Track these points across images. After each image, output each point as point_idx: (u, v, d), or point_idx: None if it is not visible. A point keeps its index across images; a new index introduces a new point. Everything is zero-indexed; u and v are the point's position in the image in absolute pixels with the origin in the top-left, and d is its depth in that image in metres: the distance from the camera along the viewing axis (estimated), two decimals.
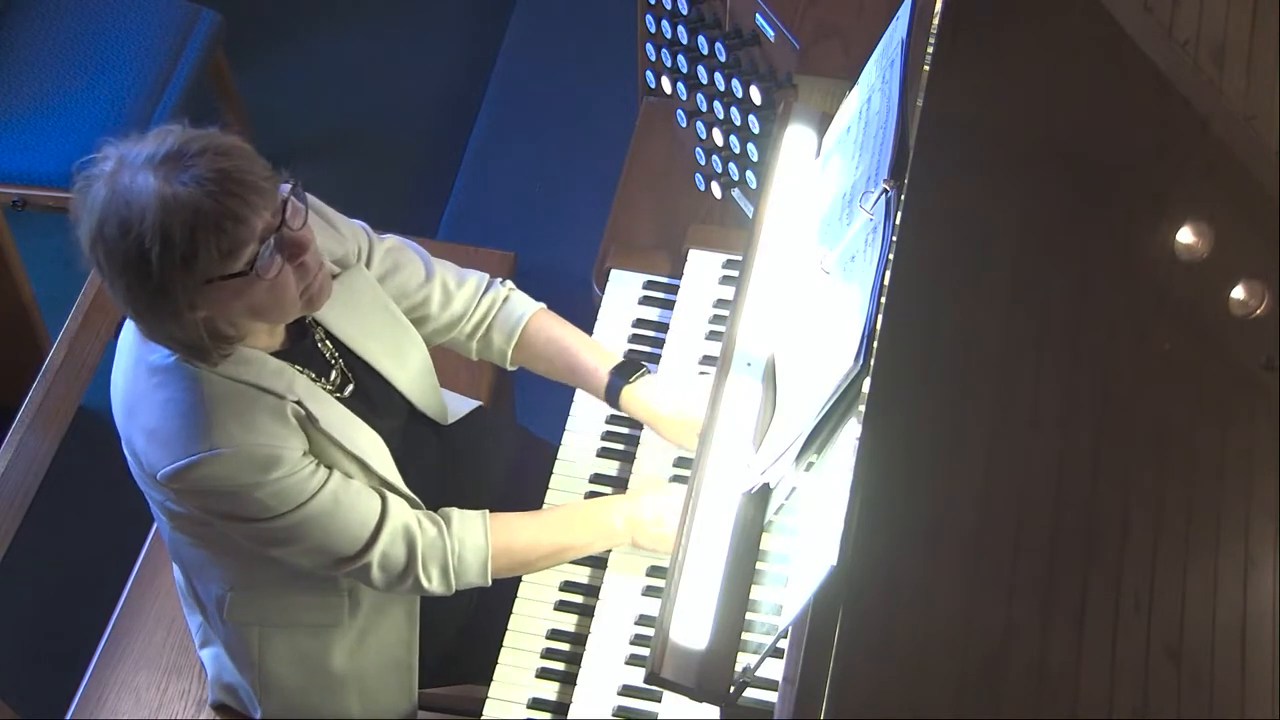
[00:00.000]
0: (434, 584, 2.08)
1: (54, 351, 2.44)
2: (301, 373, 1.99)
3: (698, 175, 2.72)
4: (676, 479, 2.32)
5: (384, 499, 2.03)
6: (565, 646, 2.22)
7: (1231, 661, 1.64)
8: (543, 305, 2.32)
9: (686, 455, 2.32)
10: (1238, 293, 1.83)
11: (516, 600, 2.25)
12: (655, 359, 2.47)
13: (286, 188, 1.82)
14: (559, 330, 2.30)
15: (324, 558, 2.01)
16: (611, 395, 2.26)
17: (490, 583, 2.13)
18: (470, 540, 2.09)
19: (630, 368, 2.26)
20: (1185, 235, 1.86)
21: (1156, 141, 1.95)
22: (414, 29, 4.20)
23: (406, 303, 2.20)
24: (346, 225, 2.13)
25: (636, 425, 2.41)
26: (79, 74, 3.33)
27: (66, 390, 2.45)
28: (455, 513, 2.11)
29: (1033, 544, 1.63)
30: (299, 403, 1.94)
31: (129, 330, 1.96)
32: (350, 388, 2.08)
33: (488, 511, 2.13)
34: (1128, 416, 1.75)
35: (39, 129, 3.24)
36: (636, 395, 2.25)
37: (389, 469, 2.07)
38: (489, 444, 2.43)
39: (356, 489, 2.01)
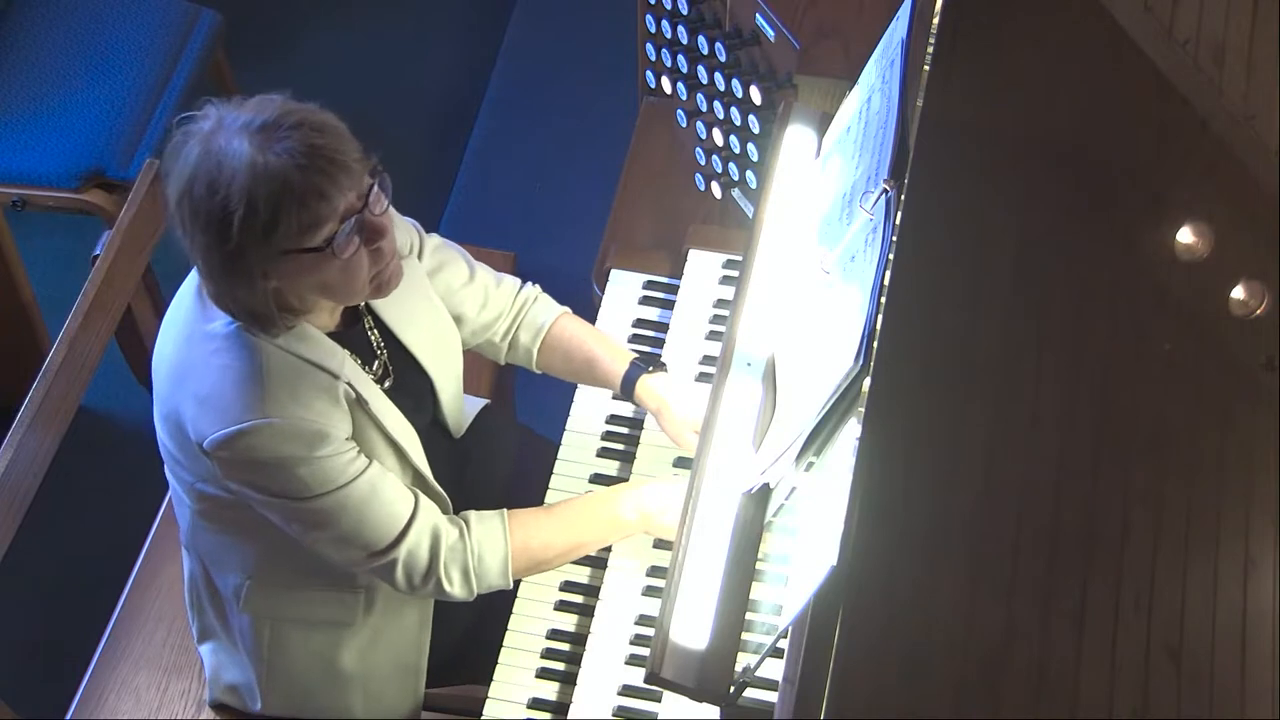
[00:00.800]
0: (455, 587, 2.08)
1: (54, 351, 2.44)
2: (351, 357, 2.01)
3: (698, 175, 2.72)
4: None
5: (416, 497, 2.05)
6: (565, 646, 2.22)
7: (1231, 661, 1.64)
8: (567, 309, 2.36)
9: (686, 456, 2.32)
10: (1238, 293, 1.83)
11: (517, 600, 2.25)
12: (655, 359, 2.47)
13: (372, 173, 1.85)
14: (581, 330, 2.34)
15: (352, 549, 2.02)
16: (627, 385, 2.29)
17: (511, 584, 2.13)
18: (490, 543, 2.10)
19: (648, 361, 2.31)
20: (1185, 235, 1.86)
21: (1156, 141, 1.95)
22: (414, 29, 4.20)
23: (450, 301, 2.23)
24: (400, 219, 2.15)
25: (636, 425, 2.41)
26: (79, 74, 3.33)
27: (66, 390, 2.45)
28: (474, 515, 2.12)
29: (1033, 544, 1.63)
30: (350, 385, 1.97)
31: (182, 301, 1.99)
32: (390, 381, 2.10)
33: (505, 511, 2.14)
34: (1128, 416, 1.75)
35: (39, 129, 3.24)
36: (649, 385, 2.28)
37: (423, 463, 2.09)
38: (493, 445, 2.43)
39: (392, 483, 2.02)
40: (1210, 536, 1.69)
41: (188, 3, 3.48)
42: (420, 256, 2.19)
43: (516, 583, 2.24)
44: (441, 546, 2.05)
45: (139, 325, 2.89)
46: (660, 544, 2.26)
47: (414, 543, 2.03)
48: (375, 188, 1.84)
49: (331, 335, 2.00)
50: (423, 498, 2.06)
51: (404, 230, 2.15)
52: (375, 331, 2.09)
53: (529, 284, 2.35)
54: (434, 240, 2.23)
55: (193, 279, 1.99)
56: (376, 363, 2.08)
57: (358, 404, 1.99)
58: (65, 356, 2.44)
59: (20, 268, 3.17)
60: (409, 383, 2.14)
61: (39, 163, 3.20)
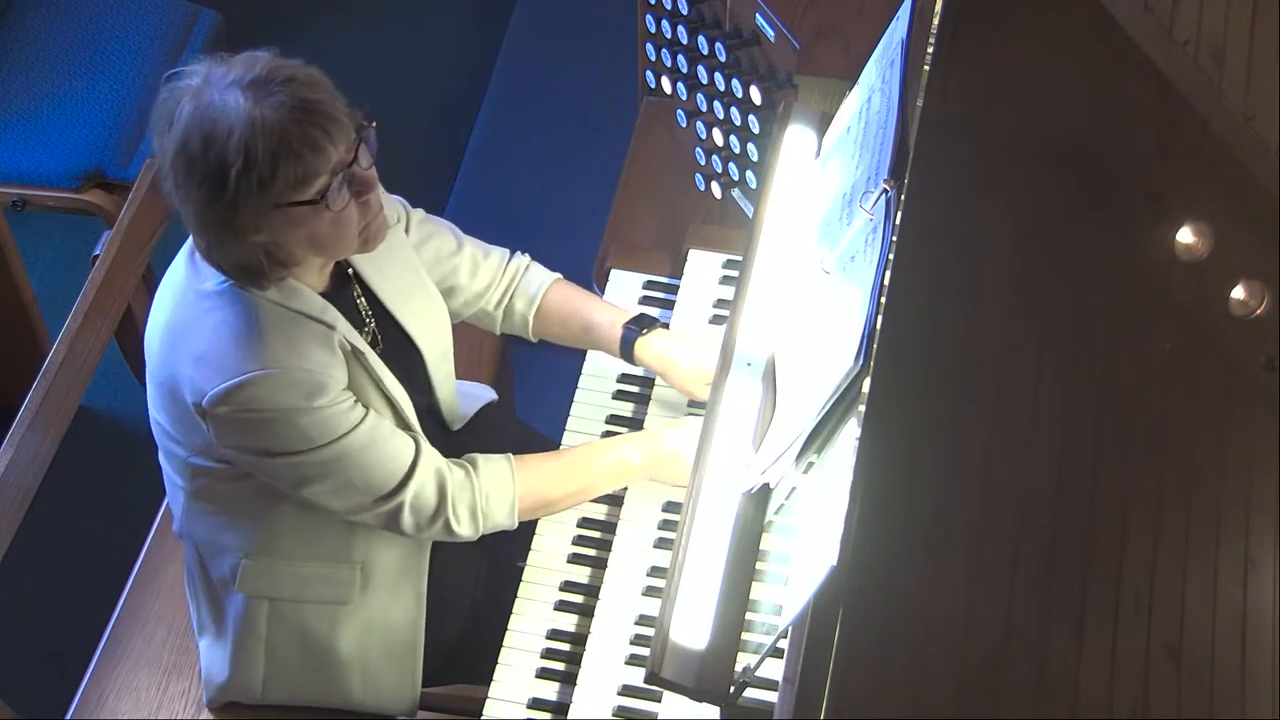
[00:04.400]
0: (463, 526, 2.11)
1: (54, 351, 2.44)
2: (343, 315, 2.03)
3: (698, 175, 2.72)
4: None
5: (416, 441, 2.07)
6: (565, 646, 2.21)
7: (1231, 661, 1.64)
8: (559, 275, 2.38)
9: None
10: (1238, 293, 1.83)
11: (516, 600, 2.25)
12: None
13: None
14: (575, 295, 2.37)
15: (358, 496, 2.03)
16: (625, 348, 2.31)
17: (516, 525, 2.16)
18: (498, 482, 2.13)
19: (643, 320, 2.32)
20: (1185, 235, 1.86)
21: (1156, 141, 1.95)
22: (414, 29, 4.20)
23: (440, 270, 2.26)
24: (386, 195, 2.17)
25: (636, 425, 2.41)
26: (79, 74, 3.33)
27: (66, 390, 2.45)
28: (480, 458, 2.15)
29: (1033, 544, 1.63)
30: (345, 337, 1.99)
31: (175, 268, 2.02)
32: (379, 349, 2.11)
33: (511, 455, 2.16)
34: (1128, 416, 1.75)
35: (39, 129, 3.24)
36: (650, 347, 2.30)
37: (414, 419, 2.11)
38: (491, 442, 2.43)
39: (391, 429, 2.05)
40: (1210, 537, 1.69)
41: (188, 3, 3.48)
42: (407, 229, 2.21)
43: (516, 580, 2.25)
44: (449, 486, 2.08)
45: (139, 325, 2.89)
46: (660, 544, 2.26)
47: (420, 484, 2.05)
48: (363, 140, 1.87)
49: (323, 296, 2.01)
50: (423, 441, 2.08)
51: (390, 205, 2.17)
52: (363, 299, 2.11)
53: (519, 253, 2.37)
54: (419, 214, 2.26)
55: (186, 247, 2.00)
56: (365, 330, 2.10)
57: (353, 355, 2.00)
58: (65, 356, 2.44)
59: (20, 268, 3.17)
60: (398, 353, 2.15)
61: (39, 163, 3.20)
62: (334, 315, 1.99)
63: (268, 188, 1.79)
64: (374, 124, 1.89)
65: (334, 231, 1.88)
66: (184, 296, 1.98)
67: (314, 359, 1.95)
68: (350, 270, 2.08)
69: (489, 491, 2.12)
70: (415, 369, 2.20)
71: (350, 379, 2.01)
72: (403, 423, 2.09)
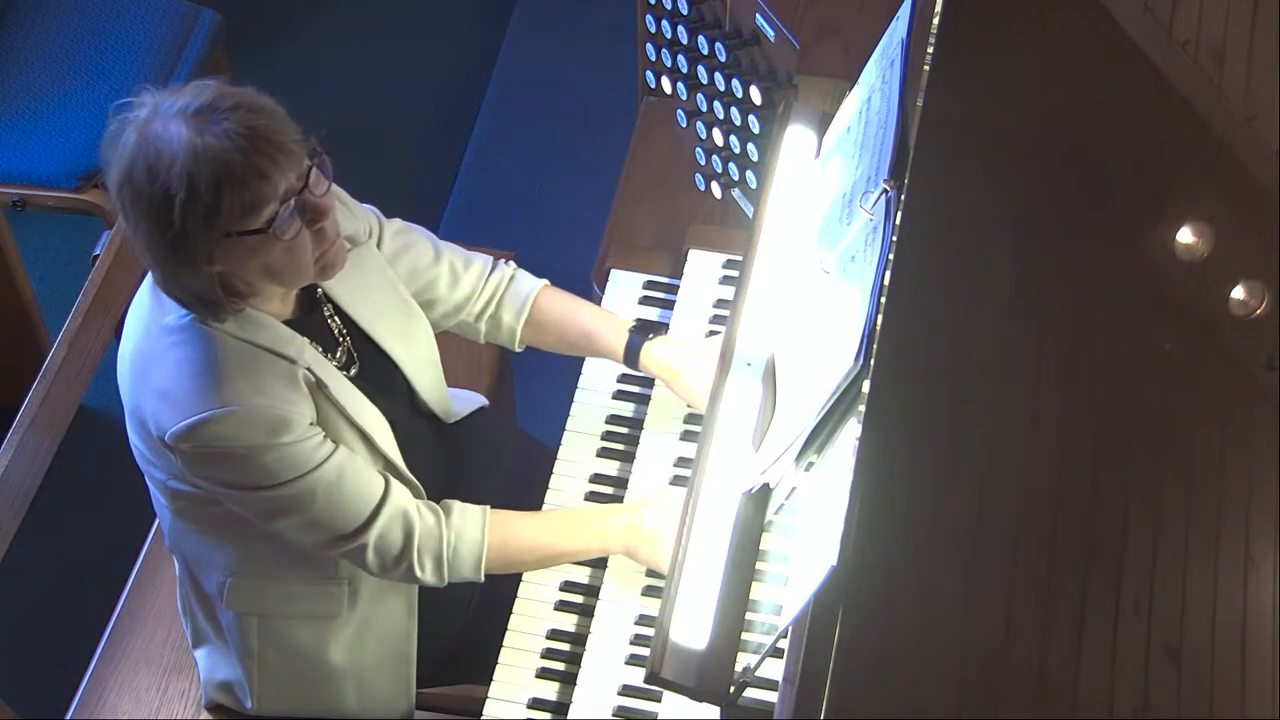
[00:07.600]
0: (427, 574, 2.08)
1: (54, 351, 2.44)
2: (311, 344, 2.00)
3: (698, 175, 2.72)
4: (677, 480, 2.32)
5: (386, 481, 2.05)
6: (565, 646, 2.22)
7: (1231, 661, 1.64)
8: (546, 281, 2.35)
9: (687, 455, 2.32)
10: (1238, 293, 1.83)
11: (516, 600, 2.25)
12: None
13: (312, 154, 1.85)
14: (568, 302, 2.34)
15: (322, 533, 2.02)
16: (630, 354, 2.29)
17: (483, 578, 2.13)
18: (467, 534, 2.10)
19: (647, 326, 2.31)
20: (1185, 235, 1.86)
21: (1156, 141, 1.95)
22: (414, 29, 4.20)
23: (417, 282, 2.22)
24: (357, 206, 2.16)
25: (636, 425, 2.41)
26: (79, 74, 3.33)
27: (66, 390, 2.45)
28: (456, 505, 2.12)
29: (1033, 544, 1.63)
30: (310, 369, 1.96)
31: (141, 298, 1.99)
32: (355, 369, 2.10)
33: (488, 507, 2.13)
34: (1128, 417, 1.75)
35: (39, 129, 3.24)
36: (654, 354, 2.28)
37: (393, 450, 2.08)
38: (490, 445, 2.43)
39: (360, 466, 2.02)
40: (1210, 536, 1.70)
41: (187, 2, 3.48)
42: (381, 243, 2.18)
43: (516, 581, 2.25)
44: (415, 531, 2.05)
45: None
46: None
47: (385, 526, 2.03)
48: (314, 169, 1.84)
49: (289, 323, 1.99)
50: (394, 482, 2.06)
51: (362, 217, 2.15)
52: (335, 319, 2.09)
53: (502, 262, 2.33)
54: (395, 224, 2.23)
55: (149, 277, 1.98)
56: (340, 350, 2.08)
57: (318, 389, 1.98)
58: (65, 356, 2.44)
59: (20, 268, 3.17)
60: (376, 370, 2.13)
61: (39, 163, 3.20)
62: (298, 347, 1.96)
63: (214, 217, 1.76)
64: (327, 153, 1.86)
65: (288, 260, 1.85)
66: (148, 330, 1.95)
67: (277, 395, 1.92)
68: (320, 291, 2.06)
69: (457, 542, 2.09)
70: (396, 383, 2.18)
71: (318, 412, 1.98)
72: (378, 454, 2.06)
